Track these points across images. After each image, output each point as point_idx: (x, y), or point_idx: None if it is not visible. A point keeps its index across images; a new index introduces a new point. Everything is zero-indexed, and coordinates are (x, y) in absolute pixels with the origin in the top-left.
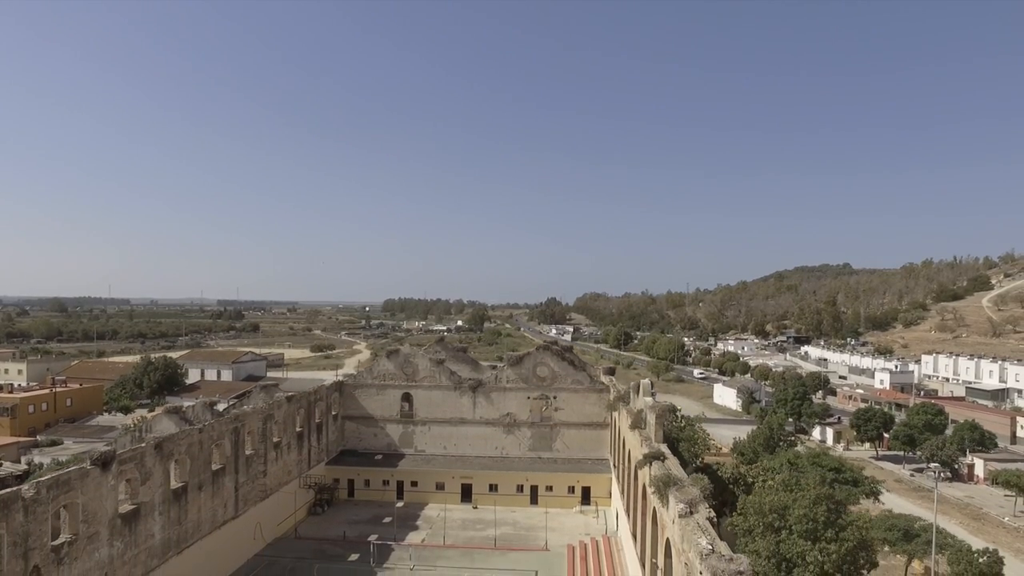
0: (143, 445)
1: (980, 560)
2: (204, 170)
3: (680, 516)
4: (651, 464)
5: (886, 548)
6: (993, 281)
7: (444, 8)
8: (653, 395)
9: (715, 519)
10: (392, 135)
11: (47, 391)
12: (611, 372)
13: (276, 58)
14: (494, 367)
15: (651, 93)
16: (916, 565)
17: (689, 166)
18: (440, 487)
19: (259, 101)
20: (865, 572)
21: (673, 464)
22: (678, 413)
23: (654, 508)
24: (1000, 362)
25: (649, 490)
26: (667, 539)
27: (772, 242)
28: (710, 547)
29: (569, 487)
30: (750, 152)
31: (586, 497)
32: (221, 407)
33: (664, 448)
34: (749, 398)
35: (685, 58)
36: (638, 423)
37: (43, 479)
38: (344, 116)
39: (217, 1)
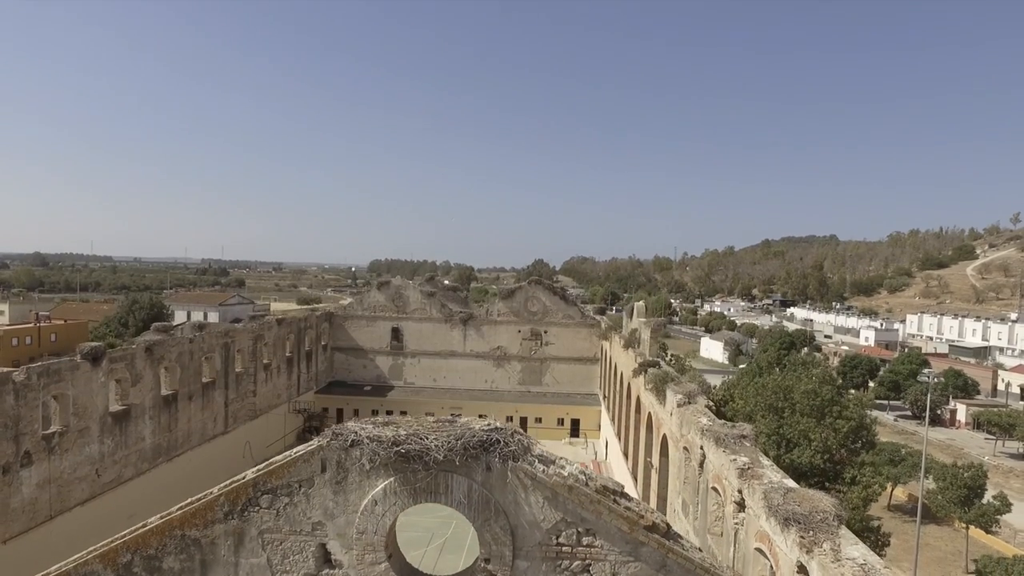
0: (134, 346)
1: (965, 475)
2: (189, 127)
3: (679, 406)
4: (646, 371)
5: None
6: (978, 251)
7: None
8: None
9: (713, 408)
10: (377, 90)
11: (31, 325)
12: (601, 312)
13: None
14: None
15: (646, 62)
16: (899, 492)
17: (678, 133)
18: (429, 416)
19: (245, 50)
20: (864, 452)
21: (668, 370)
22: (668, 353)
23: (649, 414)
24: (983, 321)
25: (645, 389)
26: (663, 436)
27: (760, 212)
28: (710, 423)
29: (558, 419)
30: (741, 119)
31: (575, 430)
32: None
33: (659, 360)
34: (736, 350)
35: (669, 24)
36: (632, 342)
37: (33, 366)
38: (328, 70)
39: None
